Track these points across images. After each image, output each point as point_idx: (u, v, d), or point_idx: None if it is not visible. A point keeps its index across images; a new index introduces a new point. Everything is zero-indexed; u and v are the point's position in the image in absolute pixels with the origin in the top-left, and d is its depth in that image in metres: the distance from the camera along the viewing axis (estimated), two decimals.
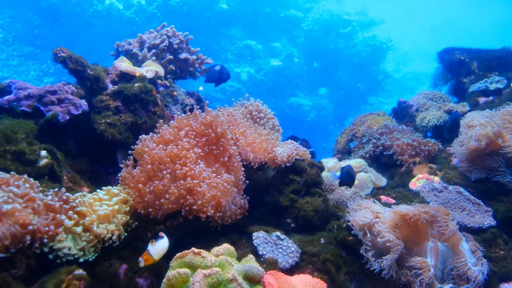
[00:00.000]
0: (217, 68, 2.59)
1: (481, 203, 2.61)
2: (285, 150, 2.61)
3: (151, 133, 2.32)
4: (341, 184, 2.77)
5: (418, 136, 3.93)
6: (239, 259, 1.77)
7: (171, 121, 2.43)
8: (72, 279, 1.55)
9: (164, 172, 2.02)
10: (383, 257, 1.87)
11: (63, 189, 1.86)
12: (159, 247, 1.71)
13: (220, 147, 2.30)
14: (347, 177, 2.64)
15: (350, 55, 15.77)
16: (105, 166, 2.72)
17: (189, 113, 2.43)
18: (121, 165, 2.21)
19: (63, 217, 1.69)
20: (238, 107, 2.91)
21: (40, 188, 1.77)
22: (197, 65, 3.48)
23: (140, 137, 2.25)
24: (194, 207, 1.96)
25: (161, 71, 3.00)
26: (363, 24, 17.16)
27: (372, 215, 2.06)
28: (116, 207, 1.92)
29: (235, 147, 2.41)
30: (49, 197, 1.73)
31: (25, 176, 1.75)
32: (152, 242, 1.72)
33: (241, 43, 15.11)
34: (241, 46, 15.07)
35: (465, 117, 3.01)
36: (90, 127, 2.49)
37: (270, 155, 2.57)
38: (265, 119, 2.90)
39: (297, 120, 14.72)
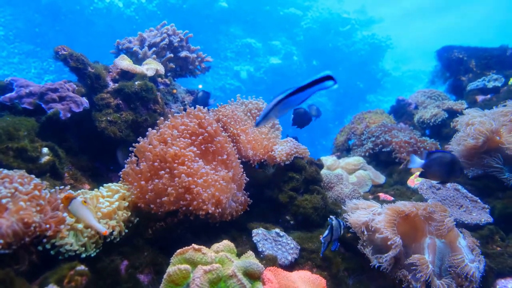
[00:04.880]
0: (302, 111, 2.61)
1: (479, 200, 2.63)
2: (284, 148, 2.63)
3: (155, 130, 2.34)
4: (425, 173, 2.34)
5: (415, 134, 3.95)
6: (239, 255, 1.79)
7: (167, 121, 2.45)
8: (74, 274, 1.57)
9: (162, 172, 2.04)
10: (382, 254, 1.90)
11: (68, 187, 1.88)
12: (80, 210, 1.63)
13: (216, 144, 2.32)
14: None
15: (349, 54, 15.80)
16: (106, 164, 2.73)
17: (187, 111, 2.45)
18: (123, 162, 2.23)
19: (65, 214, 1.71)
20: (238, 105, 2.93)
21: (44, 184, 1.79)
22: (197, 63, 3.50)
23: (149, 129, 2.26)
24: (190, 207, 1.98)
25: (162, 69, 3.01)
26: (362, 23, 17.19)
27: (369, 213, 2.08)
28: (117, 203, 1.94)
29: (232, 145, 2.43)
30: (53, 195, 1.75)
31: (32, 176, 1.77)
32: (85, 202, 1.65)
33: (240, 41, 15.12)
34: (240, 44, 15.08)
35: (463, 114, 3.03)
36: (91, 125, 2.51)
37: (270, 153, 2.59)
38: None
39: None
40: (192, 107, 2.48)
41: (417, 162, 2.30)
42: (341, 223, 1.96)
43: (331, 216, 1.95)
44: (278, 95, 1.31)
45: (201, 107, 2.46)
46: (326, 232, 1.91)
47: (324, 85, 1.28)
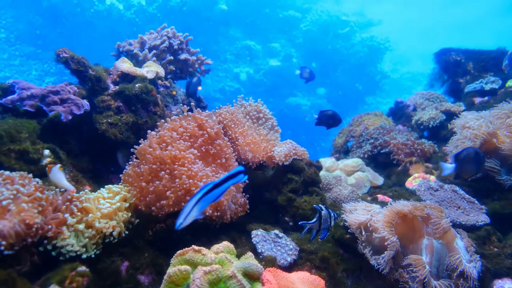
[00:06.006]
0: (329, 113, 2.83)
1: (476, 201, 2.65)
2: (283, 150, 2.65)
3: (155, 131, 2.35)
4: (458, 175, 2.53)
5: (412, 135, 3.97)
6: (238, 256, 1.80)
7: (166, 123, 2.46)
8: (76, 275, 1.59)
9: (163, 172, 2.05)
10: (380, 255, 1.91)
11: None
12: (56, 174, 1.89)
13: (216, 146, 2.34)
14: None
15: (348, 56, 15.83)
16: (106, 165, 2.75)
17: (184, 114, 2.47)
18: (123, 164, 2.24)
19: (67, 215, 1.73)
20: (238, 107, 2.95)
21: (45, 187, 1.81)
22: (197, 66, 3.52)
23: (149, 132, 2.28)
24: None
25: (162, 72, 3.04)
26: (361, 25, 17.23)
27: (367, 213, 2.10)
28: (118, 204, 1.96)
29: (231, 149, 2.45)
30: (54, 196, 1.77)
31: (30, 175, 1.79)
32: (61, 167, 1.92)
33: (240, 43, 15.14)
34: (240, 46, 15.11)
35: (460, 117, 3.06)
36: (92, 127, 2.53)
37: (269, 154, 2.61)
38: (264, 119, 2.94)
39: (296, 120, 14.76)
40: (187, 107, 2.50)
41: (449, 167, 2.46)
42: (332, 214, 1.96)
43: (320, 205, 1.95)
44: (197, 194, 1.44)
45: (200, 109, 2.48)
46: (314, 219, 1.92)
47: (237, 179, 1.47)
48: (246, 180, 2.44)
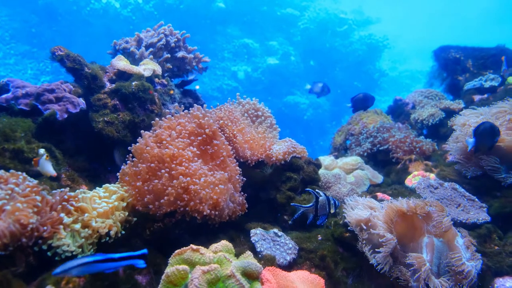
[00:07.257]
0: (361, 96, 2.94)
1: (476, 199, 2.64)
2: (281, 148, 2.63)
3: (151, 131, 2.33)
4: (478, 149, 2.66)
5: (411, 133, 3.95)
6: (237, 255, 1.78)
7: (161, 121, 2.43)
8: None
9: (163, 171, 2.03)
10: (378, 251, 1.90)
11: (67, 189, 1.88)
12: (44, 164, 1.97)
13: (214, 146, 2.32)
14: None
15: (346, 54, 15.83)
16: (103, 165, 2.72)
17: (180, 113, 2.45)
18: (120, 163, 2.22)
19: (62, 214, 1.71)
20: (236, 105, 2.93)
21: (40, 186, 1.78)
22: (194, 64, 3.49)
23: (142, 132, 2.25)
24: (187, 208, 1.97)
25: (159, 70, 3.00)
26: (359, 23, 17.23)
27: (368, 211, 2.08)
28: (116, 203, 1.93)
29: (230, 148, 2.42)
30: (50, 196, 1.74)
31: (24, 174, 1.76)
32: (47, 156, 1.99)
33: (238, 41, 15.12)
34: (238, 44, 15.08)
35: (460, 114, 3.04)
36: (88, 126, 2.50)
37: (267, 152, 2.58)
38: (262, 117, 2.92)
39: (294, 118, 14.75)
40: (182, 106, 2.48)
41: (471, 142, 2.60)
42: (332, 201, 1.93)
43: (317, 190, 1.92)
44: (88, 257, 1.41)
45: (200, 107, 2.45)
46: (310, 204, 1.90)
47: (135, 262, 1.48)
48: (244, 178, 2.42)
